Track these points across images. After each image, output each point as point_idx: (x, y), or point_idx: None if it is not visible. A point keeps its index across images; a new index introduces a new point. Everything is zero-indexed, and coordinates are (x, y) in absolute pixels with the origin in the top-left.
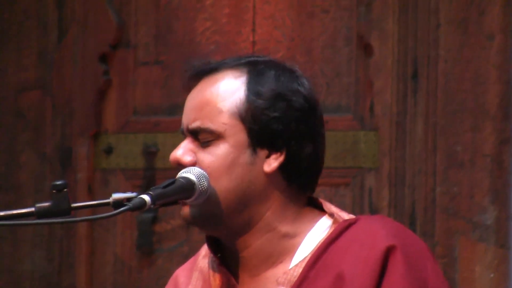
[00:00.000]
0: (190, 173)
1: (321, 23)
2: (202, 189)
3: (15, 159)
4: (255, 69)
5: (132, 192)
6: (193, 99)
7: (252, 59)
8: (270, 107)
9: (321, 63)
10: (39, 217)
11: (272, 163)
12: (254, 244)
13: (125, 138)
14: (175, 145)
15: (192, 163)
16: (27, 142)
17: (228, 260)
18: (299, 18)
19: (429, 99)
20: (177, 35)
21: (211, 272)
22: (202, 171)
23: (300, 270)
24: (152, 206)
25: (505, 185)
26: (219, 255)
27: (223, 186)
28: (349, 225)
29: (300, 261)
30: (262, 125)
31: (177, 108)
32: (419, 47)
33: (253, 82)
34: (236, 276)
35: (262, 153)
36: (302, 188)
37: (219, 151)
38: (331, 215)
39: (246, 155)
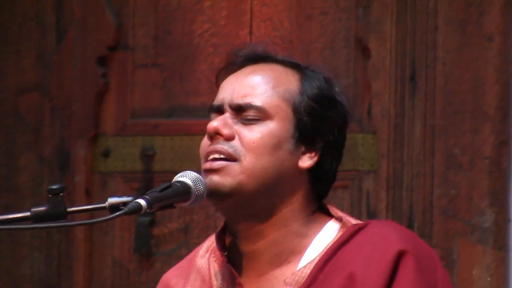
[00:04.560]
0: (186, 177)
1: (320, 25)
2: (198, 193)
3: (14, 161)
4: (306, 70)
5: (130, 195)
6: (242, 78)
7: (296, 62)
8: (323, 106)
9: (320, 65)
10: (35, 221)
11: (306, 161)
12: (268, 237)
13: (123, 140)
14: (173, 148)
15: (231, 136)
16: (25, 144)
17: (234, 259)
18: (297, 20)
19: (427, 101)
20: (175, 37)
21: (212, 272)
22: (198, 175)
23: (308, 271)
24: (148, 210)
25: (504, 187)
26: (226, 253)
27: (262, 164)
28: (358, 229)
29: (308, 263)
30: (312, 119)
31: (176, 111)
32: (417, 49)
33: (307, 80)
34: (241, 276)
35: (300, 147)
36: (319, 195)
37: (266, 130)
38: (339, 219)
39: (290, 144)
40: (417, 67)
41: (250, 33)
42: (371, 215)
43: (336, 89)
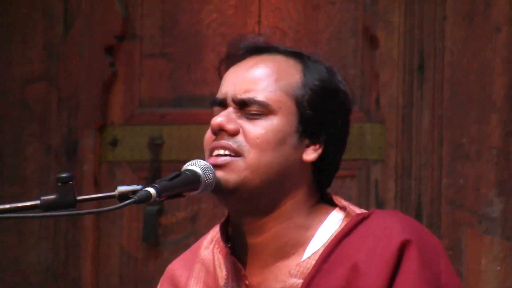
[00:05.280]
0: (195, 166)
1: (327, 15)
2: (207, 181)
3: (21, 151)
4: (308, 60)
5: (138, 184)
6: (245, 71)
7: (298, 51)
8: (326, 98)
9: (326, 55)
10: (44, 210)
11: (311, 153)
12: (271, 230)
13: (131, 130)
14: (181, 137)
15: (236, 131)
16: (33, 134)
17: (238, 251)
18: (305, 10)
19: (435, 91)
20: (183, 27)
21: (217, 263)
22: (207, 163)
23: (313, 262)
24: (157, 199)
25: (511, 177)
26: (229, 245)
27: (266, 160)
28: (362, 219)
29: (313, 254)
30: (315, 112)
31: (183, 100)
32: (425, 39)
33: (309, 72)
34: (245, 267)
35: (304, 141)
36: (321, 186)
37: (270, 126)
38: (343, 208)
39: (294, 138)
40: (425, 57)
41: (259, 22)
42: (380, 204)
43: (339, 78)
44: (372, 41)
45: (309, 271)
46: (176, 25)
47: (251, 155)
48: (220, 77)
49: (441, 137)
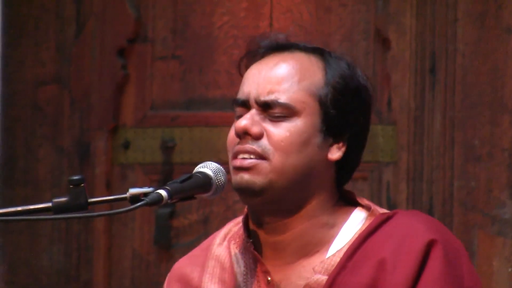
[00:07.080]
0: (207, 168)
1: (339, 17)
2: (219, 183)
3: (33, 153)
4: (329, 57)
5: (150, 186)
6: (267, 71)
7: (319, 47)
8: (348, 96)
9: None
10: (56, 212)
11: (335, 152)
12: (295, 228)
13: (143, 132)
14: (192, 140)
15: (260, 134)
16: (45, 137)
17: (258, 248)
18: (317, 12)
19: (447, 93)
20: (194, 30)
21: (234, 259)
22: (219, 166)
23: (338, 259)
24: (169, 201)
25: None
26: (251, 240)
27: (292, 162)
28: (387, 218)
29: (337, 251)
30: (338, 112)
31: (195, 103)
32: (437, 41)
33: (331, 69)
34: (266, 263)
35: (328, 140)
36: (341, 182)
37: (294, 128)
38: (367, 207)
39: (318, 138)
40: (437, 59)
41: (270, 25)
42: (391, 207)
43: (359, 73)
44: (384, 43)
45: (333, 268)
46: (188, 28)
47: (276, 158)
48: (240, 74)
49: (452, 139)
